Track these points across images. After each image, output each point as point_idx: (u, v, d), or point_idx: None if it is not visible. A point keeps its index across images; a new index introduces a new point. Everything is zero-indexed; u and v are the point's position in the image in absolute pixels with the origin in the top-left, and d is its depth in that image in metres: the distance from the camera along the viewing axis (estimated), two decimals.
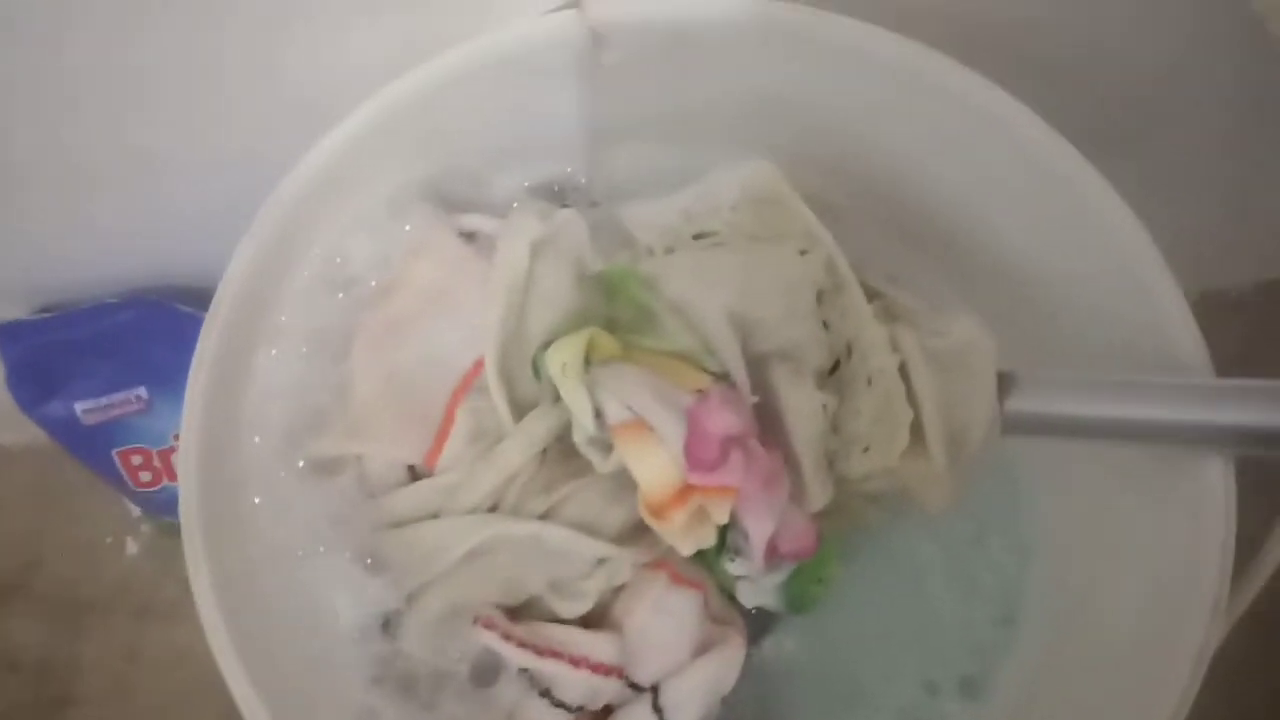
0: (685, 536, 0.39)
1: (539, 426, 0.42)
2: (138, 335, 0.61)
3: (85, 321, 0.60)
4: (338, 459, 0.44)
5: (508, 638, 0.41)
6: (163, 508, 0.69)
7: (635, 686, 0.42)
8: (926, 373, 0.41)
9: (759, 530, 0.39)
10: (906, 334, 0.42)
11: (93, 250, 0.60)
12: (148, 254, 0.60)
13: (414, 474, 0.45)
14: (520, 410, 0.43)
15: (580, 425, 0.41)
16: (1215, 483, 0.40)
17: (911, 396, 0.41)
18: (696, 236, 0.45)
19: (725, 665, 0.42)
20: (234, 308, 0.42)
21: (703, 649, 0.42)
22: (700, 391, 0.40)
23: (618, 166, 0.50)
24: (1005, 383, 0.41)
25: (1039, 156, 0.42)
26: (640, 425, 0.39)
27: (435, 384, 0.44)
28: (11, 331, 0.60)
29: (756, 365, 0.42)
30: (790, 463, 0.41)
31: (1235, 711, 0.73)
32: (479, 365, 0.43)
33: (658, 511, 0.39)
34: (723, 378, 0.42)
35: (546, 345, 0.42)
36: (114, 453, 0.65)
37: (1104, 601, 0.45)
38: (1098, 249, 0.41)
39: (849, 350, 0.43)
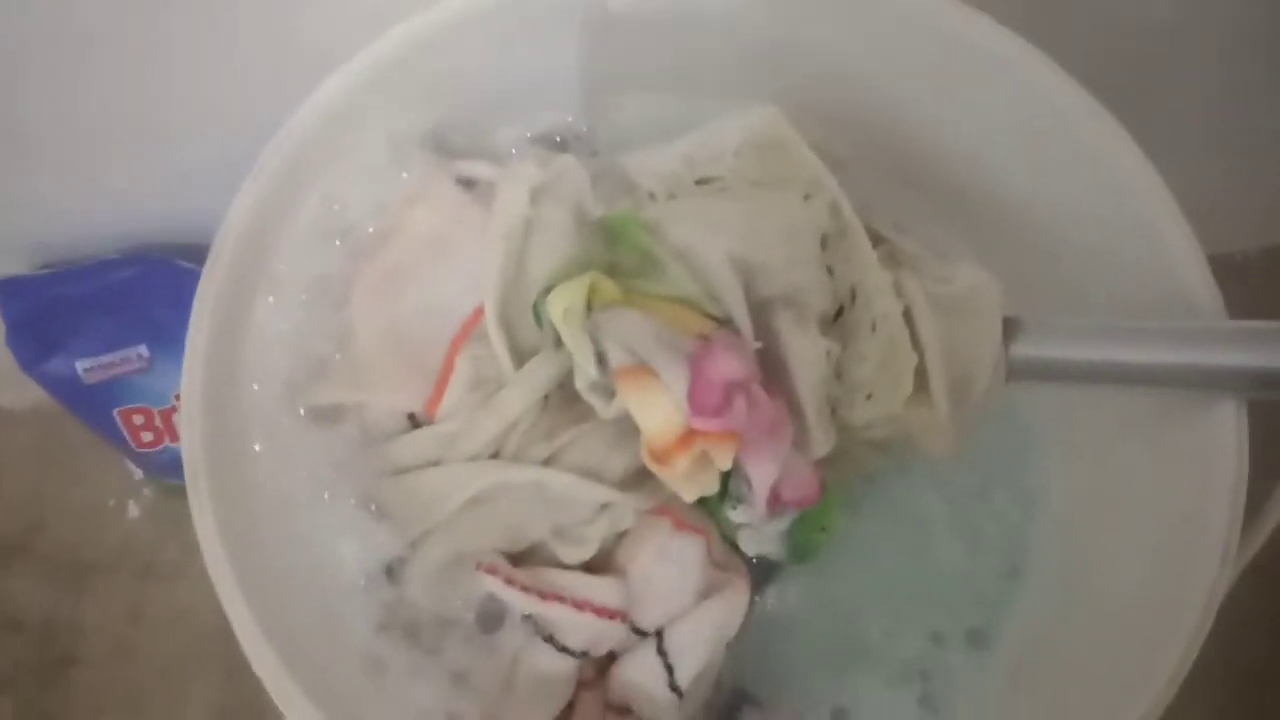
0: (688, 482, 0.39)
1: (540, 373, 0.42)
2: (139, 292, 0.60)
3: (86, 278, 0.60)
4: (338, 407, 0.44)
5: (510, 582, 0.40)
6: (164, 469, 0.69)
7: (639, 631, 0.42)
8: (931, 318, 0.41)
9: (762, 477, 0.39)
10: (911, 279, 0.41)
11: (96, 207, 0.59)
12: (151, 211, 0.60)
13: (414, 422, 0.44)
14: (521, 357, 0.43)
15: (582, 370, 0.40)
16: (1226, 428, 0.39)
17: (916, 342, 0.41)
18: (699, 182, 0.45)
19: (729, 610, 0.42)
20: (236, 252, 0.41)
21: (706, 594, 0.42)
22: (703, 337, 0.39)
23: (621, 116, 0.49)
24: (1011, 328, 0.40)
25: (1042, 94, 0.41)
26: (643, 370, 0.39)
27: (435, 332, 0.43)
28: (12, 287, 0.60)
29: (760, 310, 0.42)
30: (793, 409, 0.41)
31: (1241, 663, 0.74)
32: (479, 313, 0.43)
33: (660, 457, 0.39)
34: (726, 323, 0.42)
35: (547, 291, 0.42)
36: (115, 412, 0.65)
37: (1111, 551, 0.44)
38: (1104, 188, 0.41)
39: (853, 296, 0.42)
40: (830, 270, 0.43)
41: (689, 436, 0.38)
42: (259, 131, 0.44)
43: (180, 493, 0.73)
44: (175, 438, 0.67)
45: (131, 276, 0.60)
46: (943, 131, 0.45)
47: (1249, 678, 0.74)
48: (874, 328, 0.41)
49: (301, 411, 0.44)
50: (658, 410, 0.38)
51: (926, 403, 0.41)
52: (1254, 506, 0.41)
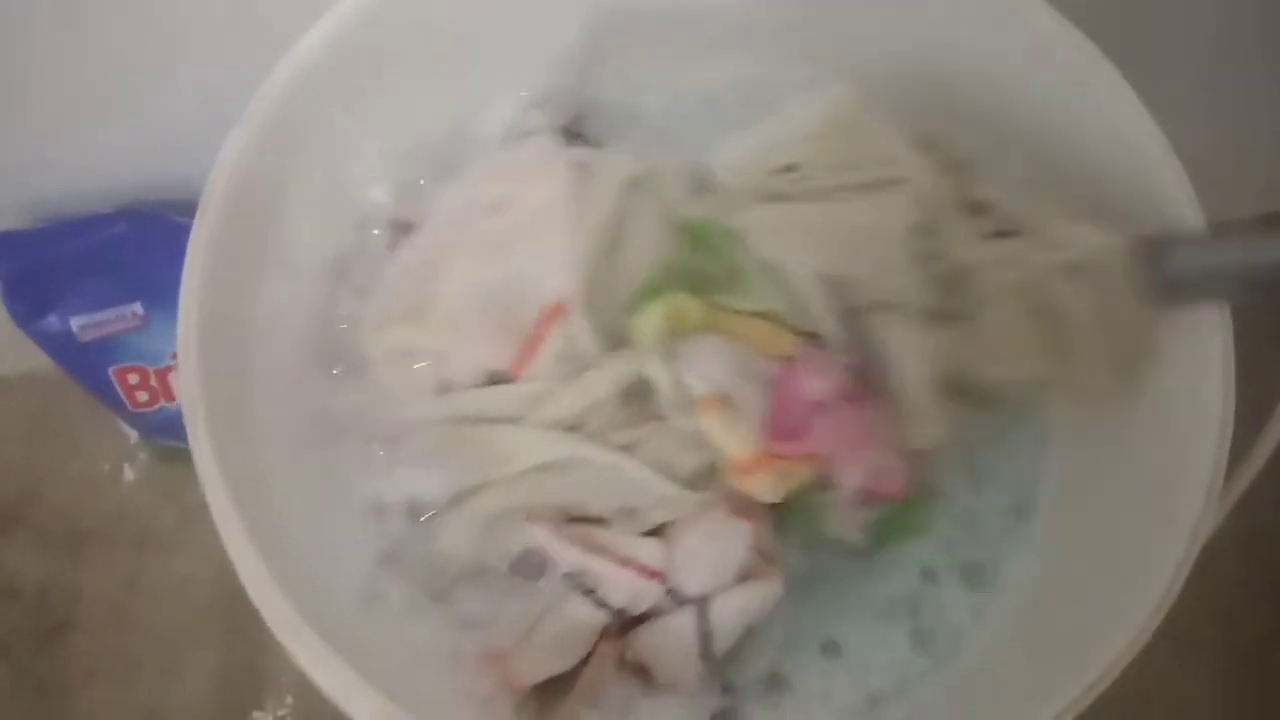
0: (767, 490, 0.40)
1: (623, 367, 0.42)
2: (133, 248, 0.60)
3: (80, 233, 0.60)
4: (408, 351, 0.44)
5: (558, 537, 0.41)
6: (160, 429, 0.69)
7: (680, 598, 0.41)
8: (1051, 284, 0.40)
9: (848, 480, 0.40)
10: (1023, 246, 0.40)
11: (89, 162, 0.59)
12: (146, 166, 0.60)
13: (493, 381, 0.44)
14: (609, 339, 0.43)
15: (662, 394, 0.41)
16: (1212, 367, 0.40)
17: (1037, 310, 0.40)
18: (777, 171, 0.43)
19: (766, 596, 0.41)
20: (239, 176, 0.41)
21: (744, 578, 0.41)
22: (787, 358, 0.40)
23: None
24: (1152, 250, 0.39)
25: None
26: (723, 399, 0.40)
27: (530, 301, 0.43)
28: (6, 243, 0.59)
29: (854, 316, 0.40)
30: (895, 405, 0.40)
31: (1242, 639, 0.74)
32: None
33: (740, 472, 0.40)
34: (814, 336, 0.41)
35: (638, 298, 0.42)
36: (110, 371, 0.64)
37: (1107, 489, 0.44)
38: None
39: (961, 274, 0.41)
40: (931, 254, 0.41)
41: (769, 458, 0.39)
42: (258, 83, 0.43)
43: (176, 457, 0.74)
44: (170, 397, 0.66)
45: (125, 232, 0.60)
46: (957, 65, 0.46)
47: (1251, 653, 0.75)
48: (990, 300, 0.40)
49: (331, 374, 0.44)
50: (736, 437, 0.40)
51: (1064, 359, 0.41)
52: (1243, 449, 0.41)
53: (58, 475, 0.75)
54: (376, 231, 0.48)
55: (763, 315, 0.41)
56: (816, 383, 0.39)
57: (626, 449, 0.42)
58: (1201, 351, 0.40)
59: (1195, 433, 0.40)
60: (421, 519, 0.43)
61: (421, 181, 0.48)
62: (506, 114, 0.50)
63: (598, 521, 0.43)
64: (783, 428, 0.39)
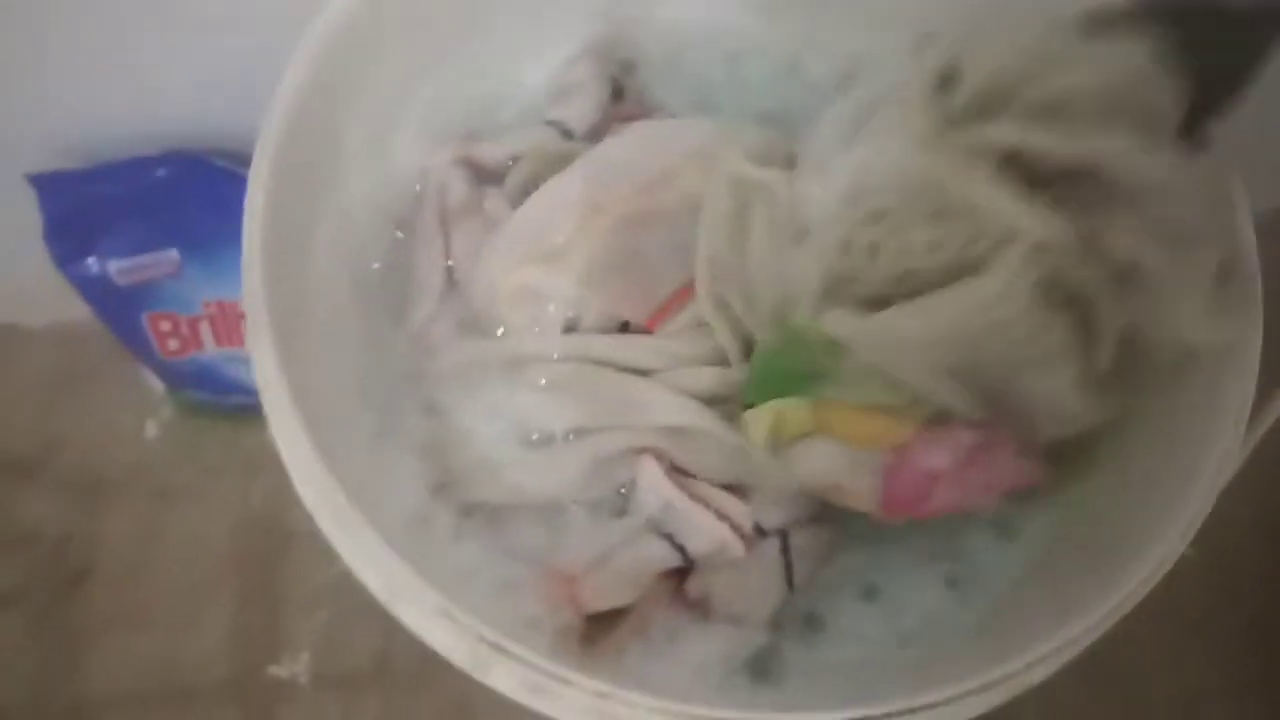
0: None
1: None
2: (173, 193, 0.61)
3: (122, 176, 0.60)
4: (540, 290, 0.45)
5: (668, 476, 0.42)
6: (189, 379, 0.69)
7: (761, 531, 0.43)
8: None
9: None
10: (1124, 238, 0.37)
11: (131, 105, 0.60)
12: (192, 111, 0.60)
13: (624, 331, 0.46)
14: (738, 332, 0.44)
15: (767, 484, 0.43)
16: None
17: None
18: (868, 216, 0.39)
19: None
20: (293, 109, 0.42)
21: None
22: (899, 448, 0.40)
23: None
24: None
25: None
26: (836, 485, 0.42)
27: (673, 268, 0.45)
28: (51, 183, 0.60)
29: (990, 381, 0.39)
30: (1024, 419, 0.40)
31: (1254, 615, 0.75)
32: None
33: None
34: (939, 414, 0.40)
35: (750, 382, 0.43)
36: (144, 317, 0.65)
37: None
38: None
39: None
40: (1066, 300, 0.38)
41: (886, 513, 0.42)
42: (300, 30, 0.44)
43: (198, 412, 0.74)
44: (201, 346, 0.67)
45: (165, 176, 0.61)
46: None
47: (1261, 629, 0.76)
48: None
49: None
50: (858, 507, 0.42)
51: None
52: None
53: (80, 427, 0.76)
54: (418, 187, 0.49)
55: (873, 408, 0.40)
56: (936, 458, 0.39)
57: None
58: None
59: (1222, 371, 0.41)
60: (534, 437, 0.44)
61: (469, 130, 0.50)
62: (554, 64, 0.51)
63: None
64: (896, 503, 0.40)
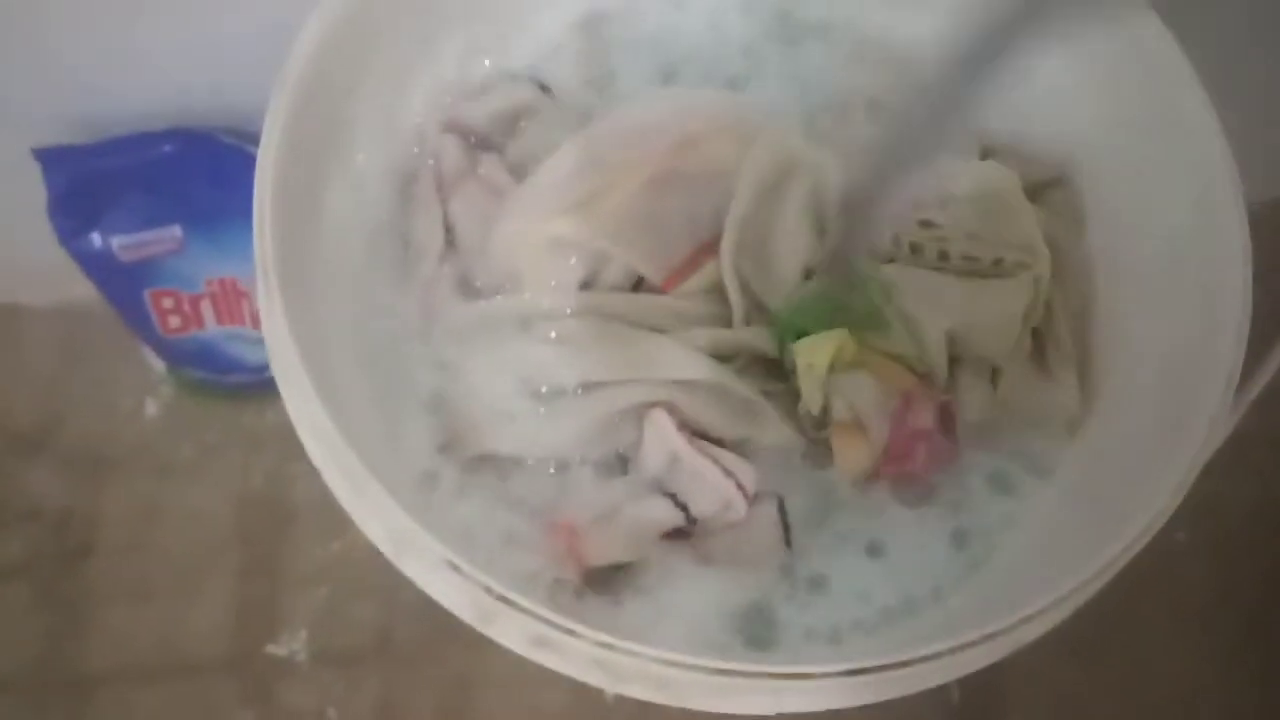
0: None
1: (759, 344, 0.46)
2: (178, 169, 0.61)
3: (128, 150, 0.61)
4: (564, 243, 0.45)
5: (678, 431, 0.43)
6: (189, 357, 0.70)
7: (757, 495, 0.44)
8: None
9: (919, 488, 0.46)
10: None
11: (138, 81, 0.60)
12: (198, 87, 0.61)
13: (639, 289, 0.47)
14: (750, 299, 0.46)
15: (805, 411, 0.45)
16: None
17: None
18: (921, 224, 0.47)
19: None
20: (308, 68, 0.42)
21: None
22: (906, 393, 0.45)
23: None
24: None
25: None
26: (856, 425, 0.44)
27: (689, 232, 0.46)
28: (56, 157, 0.60)
29: (957, 364, 0.47)
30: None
31: (1250, 605, 0.75)
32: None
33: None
34: (924, 375, 0.46)
35: (800, 308, 0.45)
36: (146, 293, 0.66)
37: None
38: None
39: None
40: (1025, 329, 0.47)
41: (874, 471, 0.45)
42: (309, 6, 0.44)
43: (199, 391, 0.75)
44: (202, 324, 0.68)
45: (172, 152, 0.61)
46: None
47: (1258, 619, 0.76)
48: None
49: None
50: (857, 456, 0.45)
51: None
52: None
53: (82, 404, 0.76)
54: (416, 148, 0.50)
55: (896, 356, 0.46)
56: (924, 416, 0.44)
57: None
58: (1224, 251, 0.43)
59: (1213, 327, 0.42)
60: (543, 390, 0.44)
61: (481, 95, 0.50)
62: (554, 30, 0.52)
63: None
64: (895, 454, 0.44)
